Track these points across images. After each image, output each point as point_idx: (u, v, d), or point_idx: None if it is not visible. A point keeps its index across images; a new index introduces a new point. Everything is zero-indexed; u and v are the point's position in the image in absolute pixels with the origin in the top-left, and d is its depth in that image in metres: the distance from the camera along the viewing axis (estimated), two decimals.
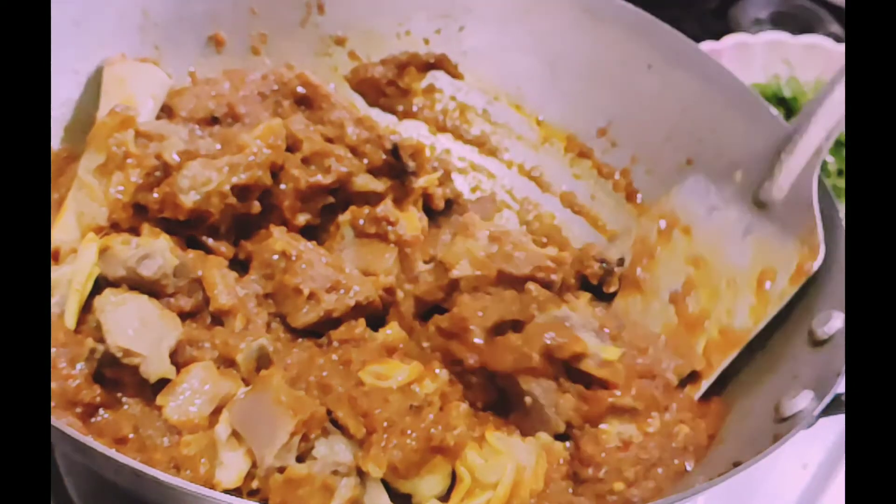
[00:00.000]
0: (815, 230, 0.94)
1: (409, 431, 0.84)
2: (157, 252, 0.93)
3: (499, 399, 0.95)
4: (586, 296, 1.01)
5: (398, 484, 0.85)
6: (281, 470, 0.82)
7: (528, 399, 0.92)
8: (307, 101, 1.14)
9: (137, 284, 0.92)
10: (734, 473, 0.80)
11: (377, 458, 0.83)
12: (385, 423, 0.85)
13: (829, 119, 0.95)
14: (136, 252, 0.92)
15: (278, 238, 0.99)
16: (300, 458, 0.84)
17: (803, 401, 0.86)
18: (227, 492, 0.80)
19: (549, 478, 0.88)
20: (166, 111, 1.09)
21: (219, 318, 0.96)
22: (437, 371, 0.93)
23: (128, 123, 0.99)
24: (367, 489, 0.84)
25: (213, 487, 0.81)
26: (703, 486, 0.80)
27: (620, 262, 1.08)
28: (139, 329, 0.88)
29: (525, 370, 0.91)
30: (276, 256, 0.98)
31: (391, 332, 0.98)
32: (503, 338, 0.92)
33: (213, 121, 1.10)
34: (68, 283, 0.90)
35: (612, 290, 1.08)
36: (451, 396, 0.92)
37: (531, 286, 0.96)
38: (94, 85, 1.09)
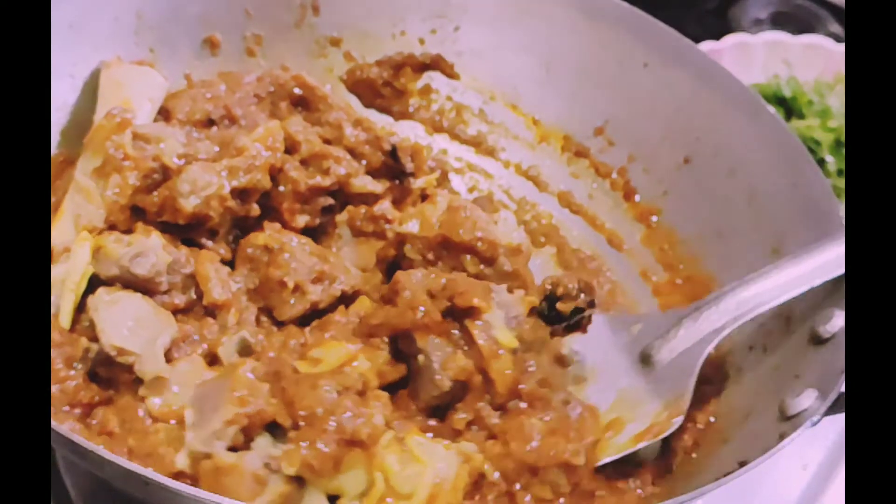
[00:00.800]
0: (682, 401, 0.91)
1: (323, 427, 0.82)
2: (149, 250, 0.92)
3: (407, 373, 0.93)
4: (530, 299, 0.98)
5: (321, 484, 0.82)
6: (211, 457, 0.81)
7: (420, 358, 0.90)
8: (304, 103, 1.13)
9: (131, 283, 0.92)
10: (741, 473, 0.80)
11: (290, 455, 0.81)
12: (302, 413, 0.83)
13: (746, 304, 0.92)
14: (128, 250, 0.91)
15: (266, 232, 0.99)
16: (237, 449, 0.83)
17: (807, 399, 0.85)
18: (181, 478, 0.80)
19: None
20: (163, 114, 1.09)
21: (213, 313, 0.95)
22: (382, 348, 0.91)
23: (125, 126, 0.99)
24: (306, 492, 0.82)
25: (171, 470, 0.81)
26: (709, 486, 0.79)
27: (591, 303, 1.02)
28: (133, 328, 0.88)
29: (422, 325, 0.90)
30: (256, 250, 0.98)
31: (361, 307, 0.97)
32: (413, 294, 0.92)
33: (209, 123, 1.10)
34: (62, 282, 0.90)
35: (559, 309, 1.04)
36: (390, 375, 0.91)
37: (469, 258, 0.96)
38: (89, 89, 1.08)
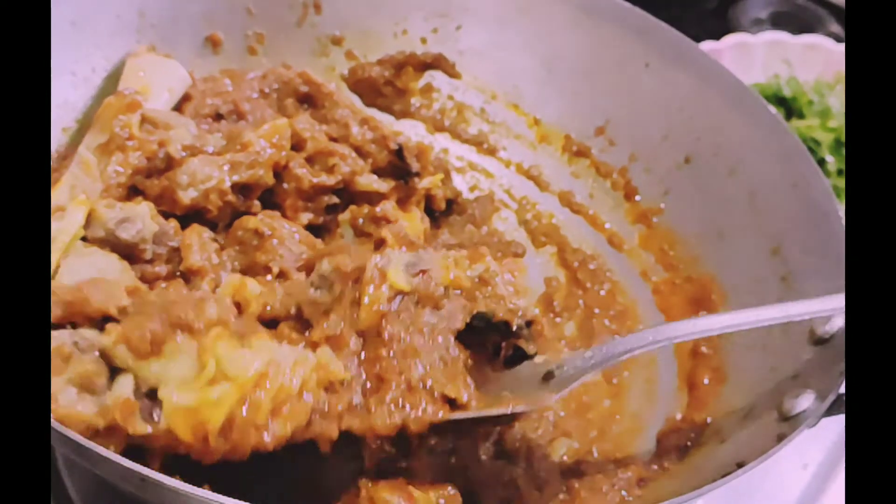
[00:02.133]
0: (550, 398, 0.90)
1: (153, 313, 0.81)
2: (137, 216, 0.93)
3: None
4: (458, 273, 0.95)
5: (139, 370, 0.79)
6: None
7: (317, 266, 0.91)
8: (310, 100, 1.14)
9: (116, 247, 0.92)
10: (739, 474, 0.79)
11: (111, 328, 0.79)
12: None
13: (661, 334, 0.90)
14: (116, 214, 0.92)
15: (258, 216, 0.99)
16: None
17: (806, 401, 0.85)
18: None
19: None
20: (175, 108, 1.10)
21: (188, 280, 0.95)
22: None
23: (134, 107, 1.00)
24: (117, 378, 0.79)
25: None
26: (708, 486, 0.79)
27: (518, 332, 0.96)
28: (91, 277, 0.88)
29: (336, 250, 0.92)
30: (247, 233, 0.98)
31: None
32: None
33: (217, 117, 1.10)
34: (52, 240, 0.90)
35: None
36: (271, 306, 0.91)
37: None
38: (90, 86, 1.09)
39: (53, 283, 0.85)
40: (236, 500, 0.68)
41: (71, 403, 0.77)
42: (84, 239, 0.92)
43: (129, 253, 0.93)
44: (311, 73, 1.14)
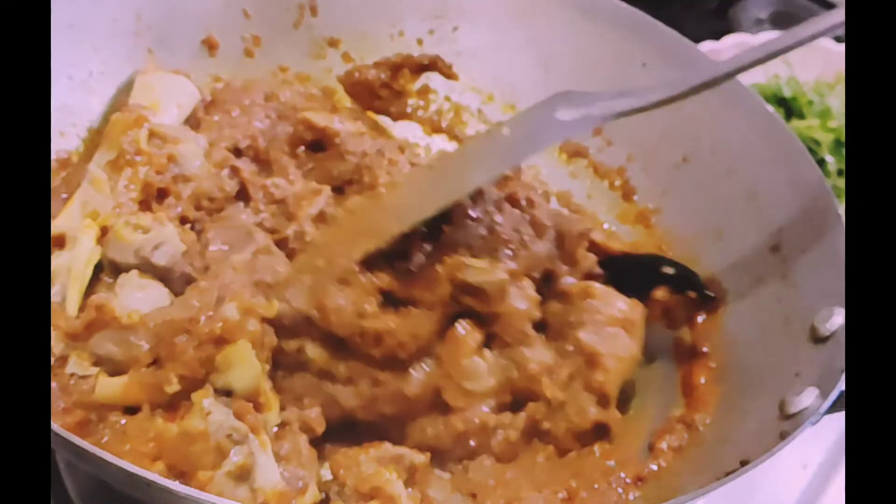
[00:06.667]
0: None
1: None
2: (168, 239, 0.93)
3: None
4: None
5: (213, 381, 0.86)
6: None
7: None
8: (319, 144, 1.10)
9: (148, 271, 0.93)
10: (743, 472, 0.80)
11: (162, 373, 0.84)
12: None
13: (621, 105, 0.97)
14: (148, 240, 0.92)
15: None
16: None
17: (808, 398, 0.85)
18: None
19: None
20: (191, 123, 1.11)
21: None
22: None
23: (141, 121, 1.00)
24: (257, 460, 0.83)
25: None
26: (711, 485, 0.79)
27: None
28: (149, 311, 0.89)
29: None
30: None
31: None
32: None
33: (237, 152, 1.08)
34: (67, 270, 0.90)
35: None
36: None
37: None
38: (88, 90, 1.10)
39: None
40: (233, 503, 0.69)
41: (231, 492, 0.80)
42: (114, 264, 0.92)
43: (162, 275, 0.93)
44: (311, 118, 1.10)
